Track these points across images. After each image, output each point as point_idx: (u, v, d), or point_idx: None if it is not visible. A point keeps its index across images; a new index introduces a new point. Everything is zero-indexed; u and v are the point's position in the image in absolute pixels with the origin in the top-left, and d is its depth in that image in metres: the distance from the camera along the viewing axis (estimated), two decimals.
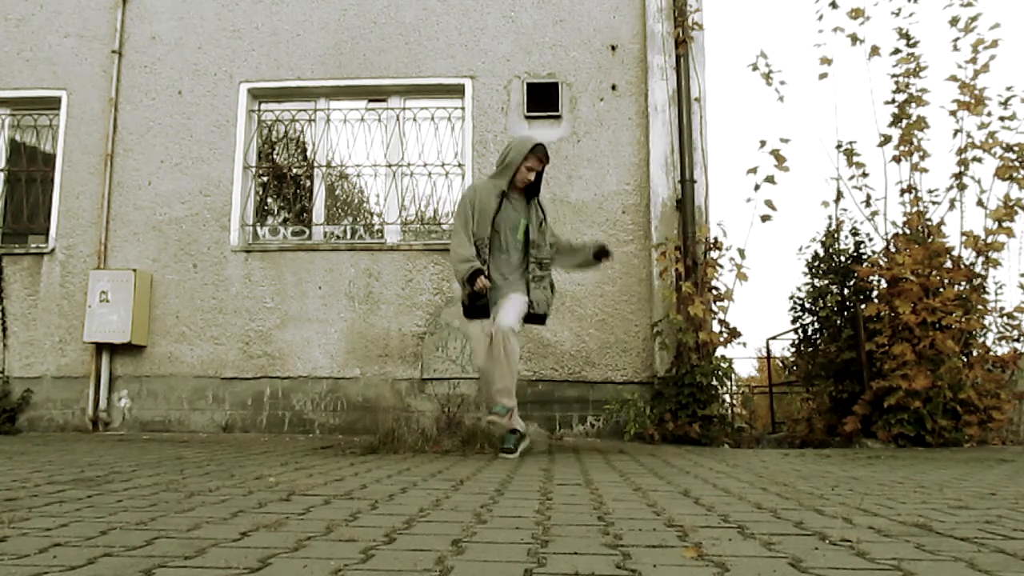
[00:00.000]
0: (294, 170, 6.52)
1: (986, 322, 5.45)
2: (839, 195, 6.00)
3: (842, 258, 5.97)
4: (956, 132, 5.64)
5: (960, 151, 5.60)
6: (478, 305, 3.81)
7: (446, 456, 3.83)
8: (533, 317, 3.96)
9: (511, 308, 3.78)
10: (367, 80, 6.25)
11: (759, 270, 54.13)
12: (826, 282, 5.98)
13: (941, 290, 5.28)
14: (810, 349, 6.27)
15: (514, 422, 3.86)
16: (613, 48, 6.11)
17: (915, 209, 5.62)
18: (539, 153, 3.86)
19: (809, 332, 6.31)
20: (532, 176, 3.88)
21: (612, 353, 5.76)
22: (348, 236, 6.29)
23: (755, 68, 5.96)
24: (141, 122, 6.34)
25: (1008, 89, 5.57)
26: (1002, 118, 5.54)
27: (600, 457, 3.95)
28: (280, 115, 6.49)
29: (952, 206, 5.60)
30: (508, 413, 3.78)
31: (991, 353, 5.41)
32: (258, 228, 6.33)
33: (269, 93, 6.41)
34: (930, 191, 5.70)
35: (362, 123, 6.38)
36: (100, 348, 6.00)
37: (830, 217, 6.11)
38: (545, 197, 5.59)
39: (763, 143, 5.62)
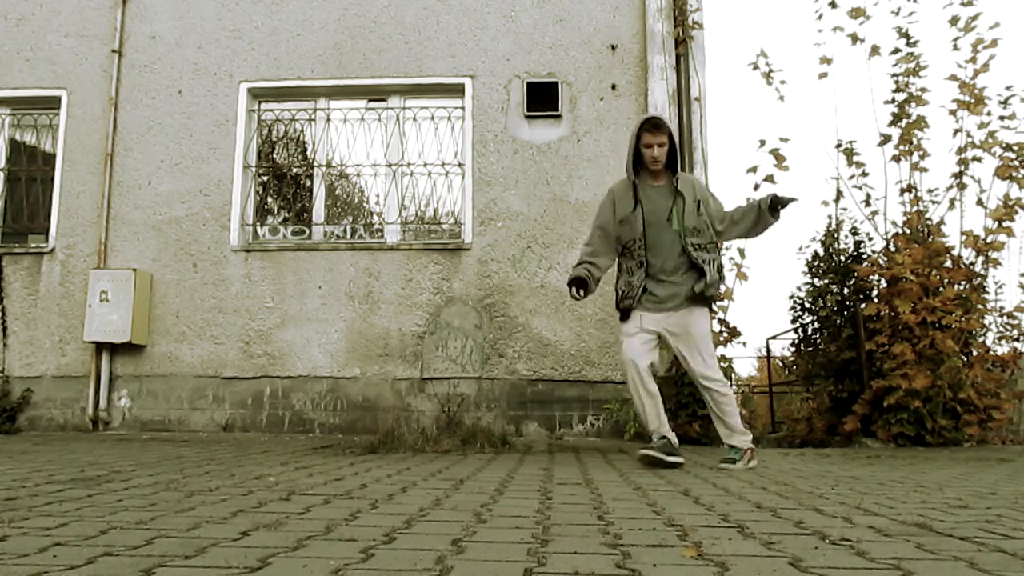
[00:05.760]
0: (294, 170, 6.52)
1: (986, 322, 5.45)
2: (839, 195, 6.00)
3: (842, 258, 5.97)
4: (956, 132, 5.65)
5: (960, 151, 5.60)
6: (622, 308, 3.51)
7: (446, 456, 3.83)
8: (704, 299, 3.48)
9: (699, 352, 3.40)
10: (367, 80, 6.25)
11: (759, 270, 54.06)
12: (826, 282, 5.98)
13: (941, 290, 5.28)
14: (810, 349, 6.27)
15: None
16: (613, 48, 6.11)
17: (915, 209, 5.62)
18: (650, 127, 3.43)
19: (809, 332, 6.31)
20: (656, 152, 3.42)
21: (612, 352, 5.75)
22: (348, 236, 6.29)
23: (755, 67, 5.97)
24: (141, 122, 6.34)
25: (1008, 89, 5.58)
26: (1002, 117, 5.54)
27: (600, 456, 3.95)
28: (280, 115, 6.49)
29: (952, 206, 5.60)
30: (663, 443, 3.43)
31: (991, 353, 5.41)
32: (258, 228, 6.33)
33: (269, 93, 6.41)
34: (930, 191, 5.70)
35: (362, 123, 6.38)
36: (100, 348, 6.00)
37: (830, 217, 6.11)
38: (544, 196, 5.54)
39: (763, 143, 5.63)
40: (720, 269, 3.56)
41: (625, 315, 3.50)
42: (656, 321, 3.45)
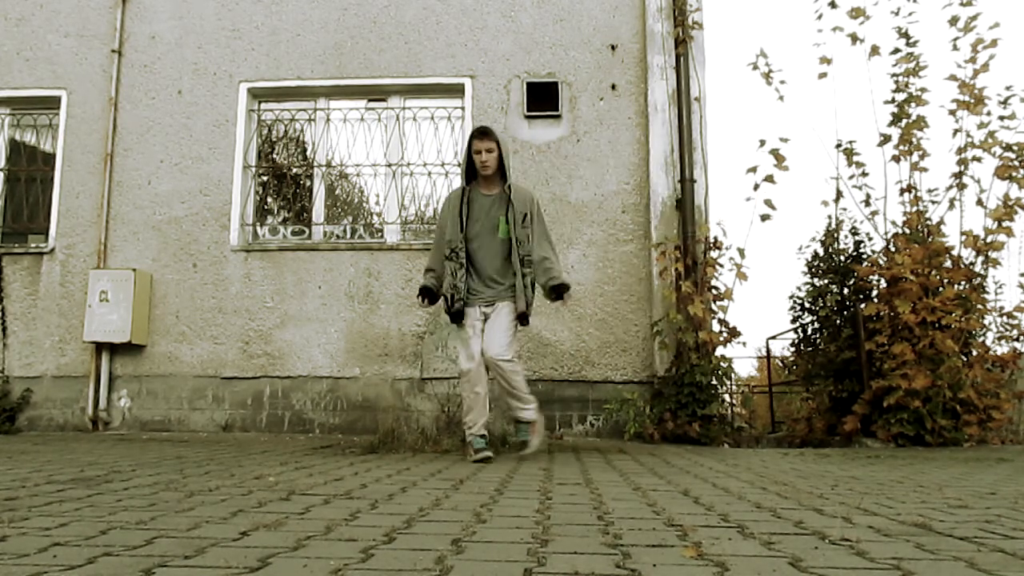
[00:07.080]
0: (294, 170, 6.52)
1: (986, 322, 5.45)
2: (839, 195, 6.00)
3: (842, 258, 5.97)
4: (956, 132, 5.64)
5: (960, 151, 5.60)
6: (452, 311, 3.72)
7: (446, 456, 3.83)
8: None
9: (497, 335, 3.62)
10: (367, 80, 6.25)
11: (759, 270, 54.05)
12: (826, 282, 5.98)
13: (941, 290, 5.28)
14: (810, 349, 6.28)
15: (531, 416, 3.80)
16: (613, 48, 6.11)
17: (915, 209, 5.62)
18: (478, 135, 3.65)
19: (809, 332, 6.31)
20: (484, 159, 3.63)
21: (612, 352, 5.76)
22: (348, 236, 6.29)
23: (755, 67, 5.96)
24: (141, 122, 6.34)
25: (1007, 88, 5.58)
26: (1001, 117, 5.54)
27: (600, 456, 3.95)
28: (280, 115, 6.49)
29: (952, 206, 5.60)
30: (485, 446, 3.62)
31: (991, 353, 5.41)
32: (258, 228, 6.32)
33: (269, 93, 6.40)
34: (930, 191, 5.70)
35: (362, 123, 6.38)
36: (100, 348, 5.99)
37: (830, 217, 6.12)
38: (544, 195, 5.59)
39: (763, 143, 5.62)
40: (532, 286, 3.79)
41: (458, 317, 3.75)
42: (479, 312, 3.73)
